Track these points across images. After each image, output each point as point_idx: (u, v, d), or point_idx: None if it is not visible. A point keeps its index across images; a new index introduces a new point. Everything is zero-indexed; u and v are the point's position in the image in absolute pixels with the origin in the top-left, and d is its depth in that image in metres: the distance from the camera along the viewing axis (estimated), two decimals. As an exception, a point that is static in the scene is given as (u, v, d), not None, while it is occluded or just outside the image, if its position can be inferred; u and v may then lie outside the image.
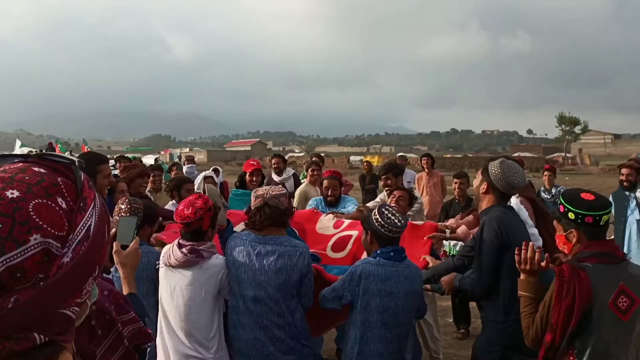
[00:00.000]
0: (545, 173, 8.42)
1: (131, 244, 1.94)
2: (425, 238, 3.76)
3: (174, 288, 3.04)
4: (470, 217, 4.13)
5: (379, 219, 3.08)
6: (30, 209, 0.69)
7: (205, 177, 6.43)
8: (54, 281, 0.70)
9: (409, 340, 3.21)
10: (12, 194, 0.69)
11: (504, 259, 3.00)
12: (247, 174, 6.05)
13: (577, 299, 2.29)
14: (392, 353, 3.05)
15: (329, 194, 5.26)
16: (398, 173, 5.37)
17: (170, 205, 5.16)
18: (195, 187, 5.69)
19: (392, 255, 3.05)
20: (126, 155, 9.85)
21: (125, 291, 2.14)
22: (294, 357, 3.09)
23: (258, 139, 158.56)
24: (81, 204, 0.76)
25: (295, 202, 6.07)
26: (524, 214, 3.63)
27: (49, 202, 0.72)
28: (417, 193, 5.63)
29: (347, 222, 4.02)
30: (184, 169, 9.79)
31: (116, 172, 6.16)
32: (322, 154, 11.88)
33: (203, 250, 3.01)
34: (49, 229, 0.70)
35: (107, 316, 1.46)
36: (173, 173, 8.55)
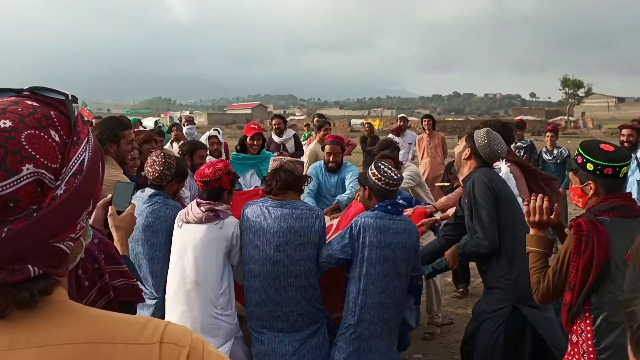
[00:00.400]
0: (548, 134, 8.37)
1: (127, 209, 1.93)
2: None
3: (187, 243, 3.13)
4: (460, 189, 4.13)
5: (376, 173, 3.13)
6: (23, 139, 0.69)
7: (209, 137, 6.41)
8: (47, 212, 0.69)
9: (414, 290, 3.25)
10: (4, 124, 0.69)
11: (499, 212, 3.01)
12: (248, 137, 5.99)
13: (596, 254, 2.20)
14: (393, 305, 3.09)
15: (331, 160, 5.25)
16: (394, 150, 5.36)
17: None
18: None
19: (389, 209, 3.09)
20: (128, 117, 9.64)
21: None
22: (307, 319, 3.13)
23: (259, 102, 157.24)
24: (74, 138, 0.75)
25: (305, 164, 6.05)
26: (512, 183, 3.65)
27: (42, 134, 0.72)
28: (406, 162, 5.60)
29: (335, 223, 3.99)
30: (184, 130, 9.70)
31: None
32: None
33: (220, 211, 3.14)
34: (41, 159, 0.70)
35: (95, 265, 1.43)
36: (173, 134, 8.49)
